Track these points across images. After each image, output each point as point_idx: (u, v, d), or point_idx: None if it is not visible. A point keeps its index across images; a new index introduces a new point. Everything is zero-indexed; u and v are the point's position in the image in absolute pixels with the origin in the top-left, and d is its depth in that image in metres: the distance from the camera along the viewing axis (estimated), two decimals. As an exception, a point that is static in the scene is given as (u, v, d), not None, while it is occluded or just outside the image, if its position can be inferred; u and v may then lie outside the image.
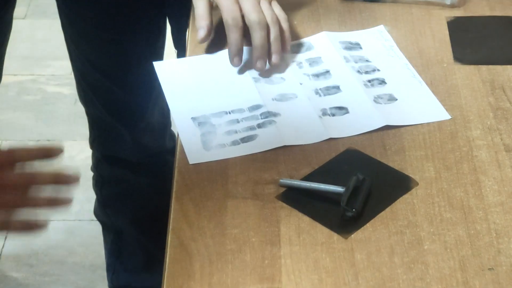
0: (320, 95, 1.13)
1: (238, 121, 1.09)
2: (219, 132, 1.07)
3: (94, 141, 1.60)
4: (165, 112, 1.56)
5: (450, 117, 1.09)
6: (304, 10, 1.28)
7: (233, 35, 1.12)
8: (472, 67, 1.17)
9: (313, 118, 1.09)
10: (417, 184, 1.00)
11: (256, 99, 1.12)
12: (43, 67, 2.55)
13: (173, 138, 1.61)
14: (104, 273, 1.83)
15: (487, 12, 1.27)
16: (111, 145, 1.56)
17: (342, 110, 1.11)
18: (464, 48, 1.20)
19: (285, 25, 1.15)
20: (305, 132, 1.07)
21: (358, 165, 1.03)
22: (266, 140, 1.06)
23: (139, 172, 1.59)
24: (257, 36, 1.12)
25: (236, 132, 1.07)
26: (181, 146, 1.06)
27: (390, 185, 1.01)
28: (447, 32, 1.23)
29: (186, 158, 1.04)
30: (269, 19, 1.13)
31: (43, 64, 2.59)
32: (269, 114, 1.10)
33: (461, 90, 1.13)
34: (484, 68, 1.17)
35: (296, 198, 0.99)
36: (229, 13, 1.12)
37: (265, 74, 1.16)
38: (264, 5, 1.14)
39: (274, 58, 1.14)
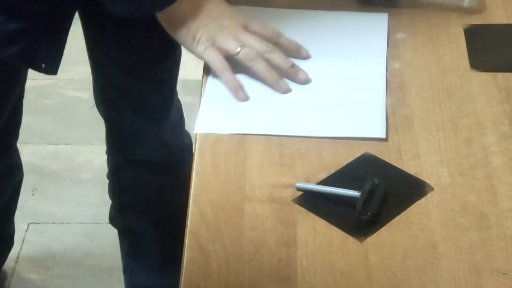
0: None
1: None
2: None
3: (114, 147, 1.61)
4: (180, 109, 1.58)
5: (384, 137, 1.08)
6: (322, 17, 1.29)
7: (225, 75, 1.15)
8: (488, 74, 1.18)
9: None
10: (432, 189, 1.01)
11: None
12: (62, 72, 2.53)
13: (188, 135, 1.63)
14: (120, 275, 1.85)
15: (504, 20, 1.28)
16: (135, 147, 1.57)
17: None
18: (481, 55, 1.21)
19: (281, 39, 1.18)
20: None
21: (373, 170, 1.04)
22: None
23: (161, 173, 1.61)
24: (256, 70, 1.15)
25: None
26: (200, 149, 1.08)
27: (405, 190, 1.02)
28: (463, 39, 1.24)
29: (204, 160, 1.06)
30: (258, 48, 1.15)
31: (62, 68, 2.59)
32: None
33: (476, 97, 1.14)
34: (499, 75, 1.18)
35: (313, 202, 1.00)
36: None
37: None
38: (244, 37, 1.16)
39: (301, 75, 1.16)
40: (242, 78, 1.16)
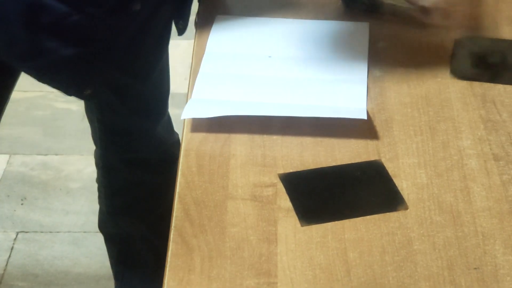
0: None
1: None
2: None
3: (108, 148, 1.60)
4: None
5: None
6: (306, 26, 1.33)
7: None
8: (465, 82, 1.22)
9: None
10: (407, 208, 1.03)
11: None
12: (53, 84, 2.60)
13: (176, 132, 1.65)
14: (107, 283, 1.87)
15: (485, 33, 1.32)
16: (133, 147, 1.58)
17: None
18: (459, 64, 1.25)
19: None
20: None
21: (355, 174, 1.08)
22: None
23: (155, 171, 1.61)
24: None
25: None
26: (185, 150, 1.11)
27: (382, 199, 1.05)
28: (443, 48, 1.28)
29: (189, 161, 1.09)
30: None
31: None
32: None
33: (454, 103, 1.18)
34: (476, 83, 1.22)
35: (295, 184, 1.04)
36: None
37: None
38: None
39: None
40: (232, 65, 1.22)
